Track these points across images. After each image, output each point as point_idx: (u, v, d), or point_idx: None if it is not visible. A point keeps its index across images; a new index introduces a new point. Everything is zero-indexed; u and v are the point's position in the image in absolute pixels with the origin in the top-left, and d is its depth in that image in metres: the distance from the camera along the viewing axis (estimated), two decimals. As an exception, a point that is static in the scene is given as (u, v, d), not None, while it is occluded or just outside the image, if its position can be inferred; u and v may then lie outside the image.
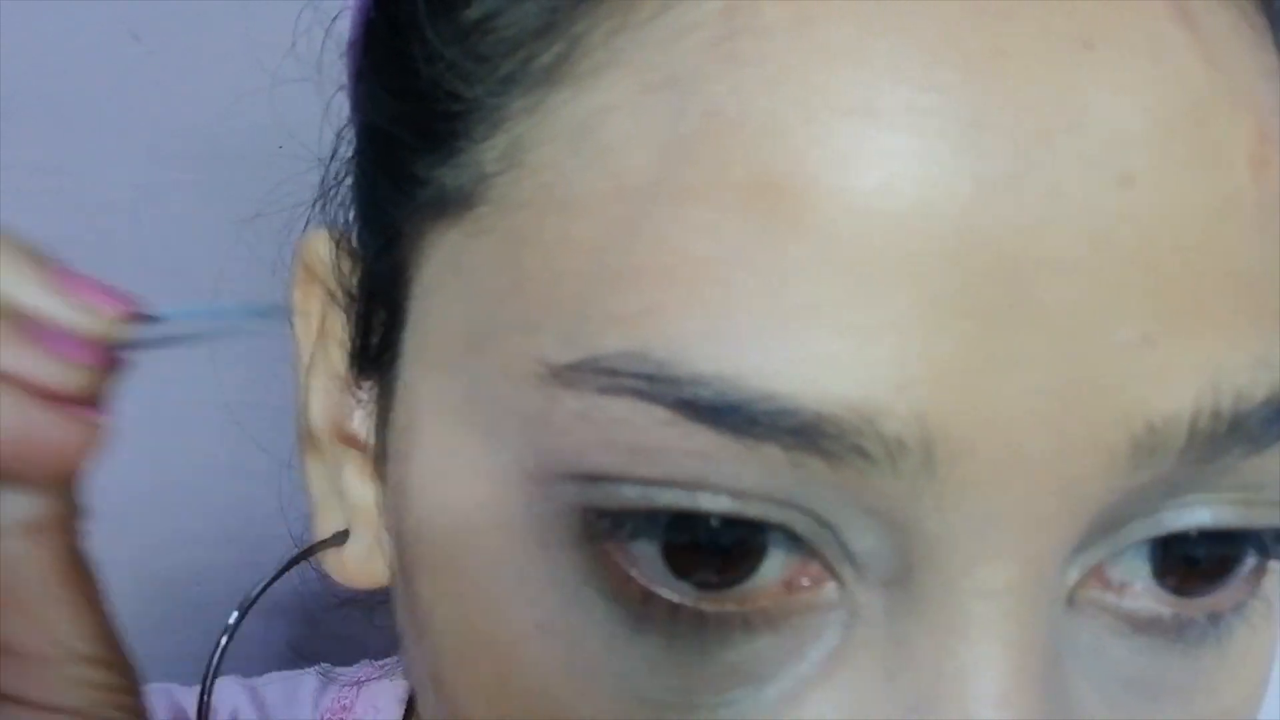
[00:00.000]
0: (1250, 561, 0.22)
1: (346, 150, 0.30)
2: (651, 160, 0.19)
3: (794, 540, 0.20)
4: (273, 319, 0.25)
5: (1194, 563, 0.22)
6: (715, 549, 0.20)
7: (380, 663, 0.46)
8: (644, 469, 0.20)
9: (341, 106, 0.30)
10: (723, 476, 0.19)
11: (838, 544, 0.20)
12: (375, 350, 0.28)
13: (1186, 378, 0.19)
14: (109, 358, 0.25)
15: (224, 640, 0.30)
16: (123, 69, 0.52)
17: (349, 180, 0.30)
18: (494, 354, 0.22)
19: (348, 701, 0.49)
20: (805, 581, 0.21)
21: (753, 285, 0.19)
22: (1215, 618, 0.22)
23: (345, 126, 0.30)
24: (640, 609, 0.21)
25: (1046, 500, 0.19)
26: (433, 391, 0.24)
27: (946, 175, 0.18)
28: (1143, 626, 0.22)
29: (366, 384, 0.28)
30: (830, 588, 0.21)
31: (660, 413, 0.19)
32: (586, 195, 0.20)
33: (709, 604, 0.20)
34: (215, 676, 0.30)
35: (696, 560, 0.20)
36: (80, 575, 0.22)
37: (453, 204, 0.23)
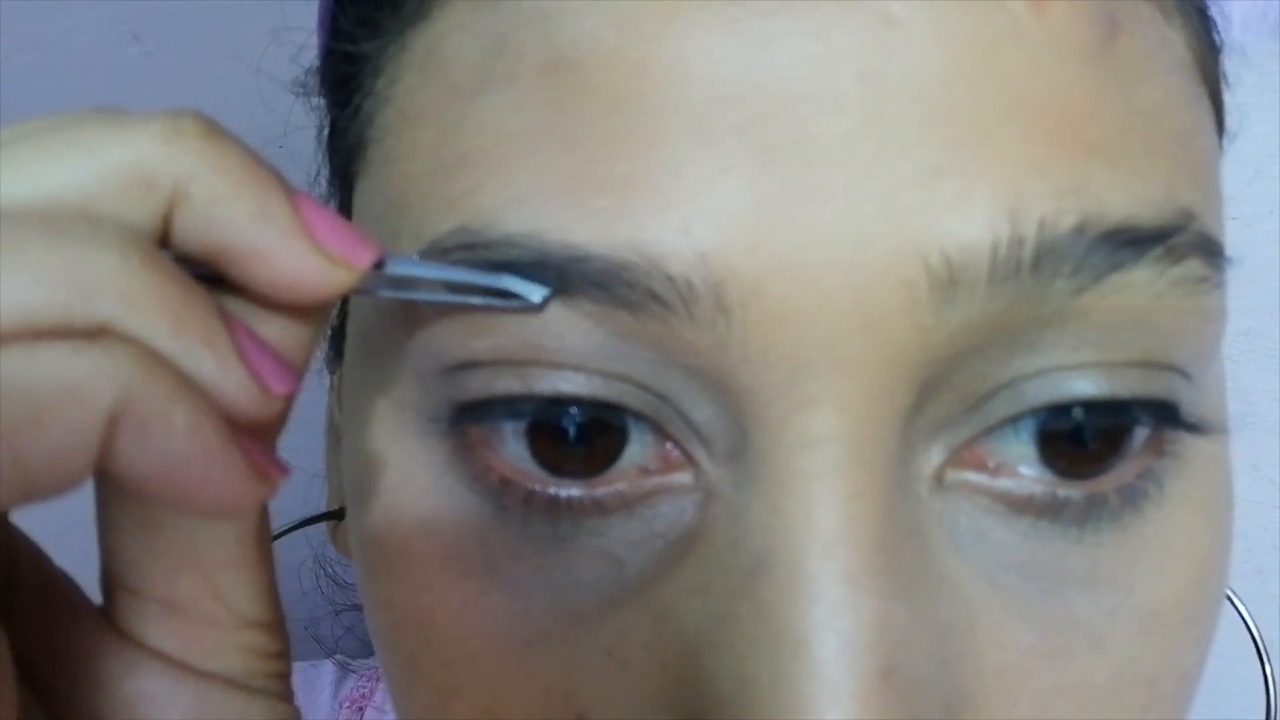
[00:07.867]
0: (1141, 433, 0.21)
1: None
2: (475, 61, 0.21)
3: (654, 430, 0.21)
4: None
5: (1079, 440, 0.21)
6: (579, 440, 0.21)
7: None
8: (505, 350, 0.20)
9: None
10: (570, 354, 0.20)
11: (681, 419, 0.21)
12: (334, 329, 0.29)
13: (981, 207, 0.19)
14: (299, 380, 0.20)
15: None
16: (123, 69, 0.53)
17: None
18: None
19: (366, 690, 0.50)
20: (659, 465, 0.21)
21: (550, 151, 0.20)
22: (1098, 499, 0.21)
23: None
24: (498, 497, 0.21)
25: (852, 341, 0.19)
26: (350, 361, 0.25)
27: (716, 24, 0.20)
28: (1019, 506, 0.21)
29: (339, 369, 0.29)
30: (686, 473, 0.21)
31: None
32: (427, 104, 0.22)
33: (562, 489, 0.21)
34: None
35: (562, 452, 0.21)
36: (258, 538, 0.20)
37: (356, 151, 0.25)
